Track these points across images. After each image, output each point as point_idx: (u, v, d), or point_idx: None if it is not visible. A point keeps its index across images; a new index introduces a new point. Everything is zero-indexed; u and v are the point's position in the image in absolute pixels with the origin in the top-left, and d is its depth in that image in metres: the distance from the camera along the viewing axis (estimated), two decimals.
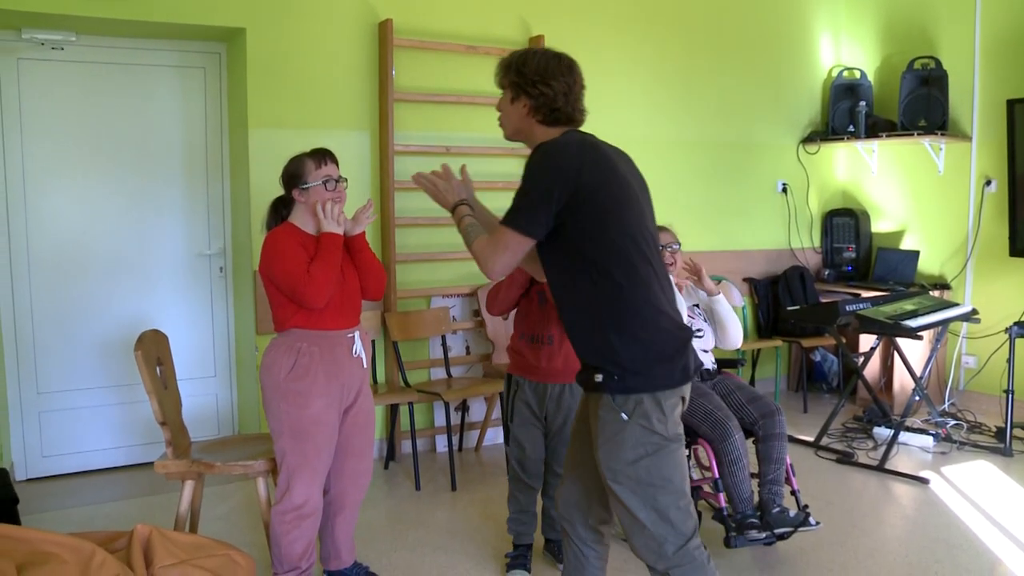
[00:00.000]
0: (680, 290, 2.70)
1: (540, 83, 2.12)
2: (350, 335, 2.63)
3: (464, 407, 4.46)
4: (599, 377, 2.02)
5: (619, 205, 2.02)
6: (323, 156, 2.62)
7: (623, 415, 2.00)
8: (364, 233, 2.71)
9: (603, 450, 2.06)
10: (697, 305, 3.00)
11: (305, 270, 2.47)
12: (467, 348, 4.55)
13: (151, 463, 3.82)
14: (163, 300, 4.20)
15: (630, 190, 2.05)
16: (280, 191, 2.71)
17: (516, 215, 2.04)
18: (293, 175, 2.62)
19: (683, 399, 2.08)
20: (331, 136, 3.97)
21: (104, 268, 4.02)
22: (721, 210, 5.17)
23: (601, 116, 4.16)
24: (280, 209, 2.70)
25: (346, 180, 2.65)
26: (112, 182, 3.98)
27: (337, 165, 2.66)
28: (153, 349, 2.78)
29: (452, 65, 4.17)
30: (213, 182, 4.21)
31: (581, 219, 1.99)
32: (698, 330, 2.95)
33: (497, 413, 4.43)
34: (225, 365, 4.37)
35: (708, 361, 3.01)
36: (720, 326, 2.99)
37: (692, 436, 2.97)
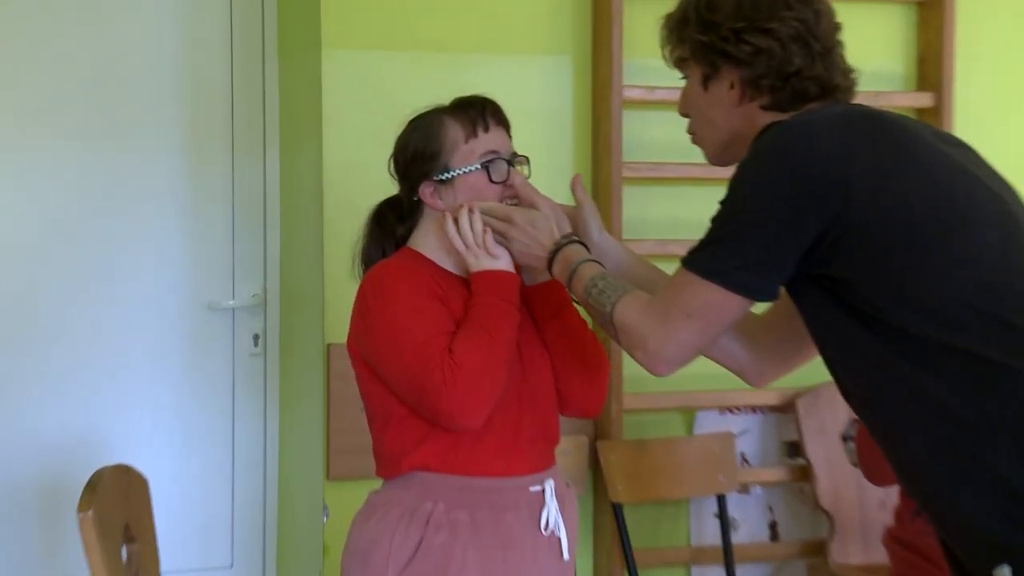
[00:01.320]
0: None
1: (750, 31, 2.02)
2: (535, 489, 2.40)
3: None
4: (1004, 573, 1.89)
5: (963, 227, 1.90)
6: (480, 113, 2.38)
7: None
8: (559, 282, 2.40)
9: None
10: None
11: (446, 347, 2.24)
12: (772, 526, 4.03)
13: None
14: (139, 400, 3.81)
15: (979, 197, 1.94)
16: (387, 187, 2.51)
17: (714, 252, 1.94)
18: (418, 154, 2.39)
19: None
20: (493, 68, 3.73)
21: (30, 332, 3.84)
22: None
23: None
24: (390, 222, 2.50)
25: (527, 160, 2.42)
26: (55, 167, 3.86)
27: (508, 131, 2.42)
28: (117, 507, 2.61)
29: None
30: (244, 166, 3.86)
31: (873, 262, 1.88)
32: None
33: None
34: (258, 544, 4.02)
35: None
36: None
37: None
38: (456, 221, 2.31)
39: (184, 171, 3.87)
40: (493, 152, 2.36)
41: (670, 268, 3.78)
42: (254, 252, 3.93)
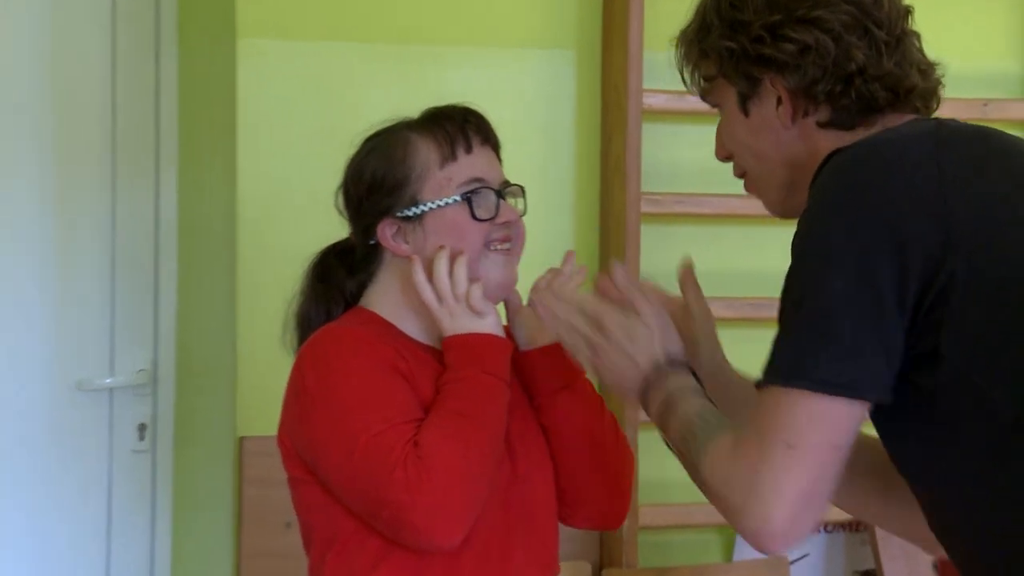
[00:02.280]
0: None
1: (792, 24, 2.03)
2: None
3: None
4: None
5: None
6: (460, 128, 2.42)
7: None
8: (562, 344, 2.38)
9: None
10: None
11: (410, 440, 2.25)
12: None
13: None
14: None
15: None
16: (330, 224, 2.57)
17: (794, 350, 1.89)
18: (377, 183, 2.43)
19: None
20: (470, 66, 3.74)
21: None
22: None
23: None
24: (337, 275, 2.51)
25: (522, 191, 2.48)
26: None
27: (498, 151, 2.47)
28: None
29: None
30: (129, 195, 3.90)
31: (987, 328, 1.88)
32: None
33: None
34: None
35: None
36: None
37: None
38: (428, 268, 2.30)
39: (46, 202, 3.76)
40: (477, 180, 2.34)
41: None
42: (140, 313, 3.84)
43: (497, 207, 2.34)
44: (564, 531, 3.28)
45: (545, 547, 2.41)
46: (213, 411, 3.67)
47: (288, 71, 3.61)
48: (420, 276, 2.31)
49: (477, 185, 2.36)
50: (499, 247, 2.36)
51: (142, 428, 3.77)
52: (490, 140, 2.41)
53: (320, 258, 2.48)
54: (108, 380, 3.74)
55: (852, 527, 3.88)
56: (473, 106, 2.42)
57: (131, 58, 3.82)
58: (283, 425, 2.35)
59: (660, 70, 3.35)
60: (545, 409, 2.41)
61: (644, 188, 3.59)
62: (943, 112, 3.54)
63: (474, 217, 2.32)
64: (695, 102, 3.43)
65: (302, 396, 2.32)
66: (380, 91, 3.31)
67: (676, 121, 3.70)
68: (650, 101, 3.58)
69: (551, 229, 3.69)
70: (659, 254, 3.61)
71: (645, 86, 3.56)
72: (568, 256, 2.50)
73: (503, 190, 2.37)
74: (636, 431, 3.55)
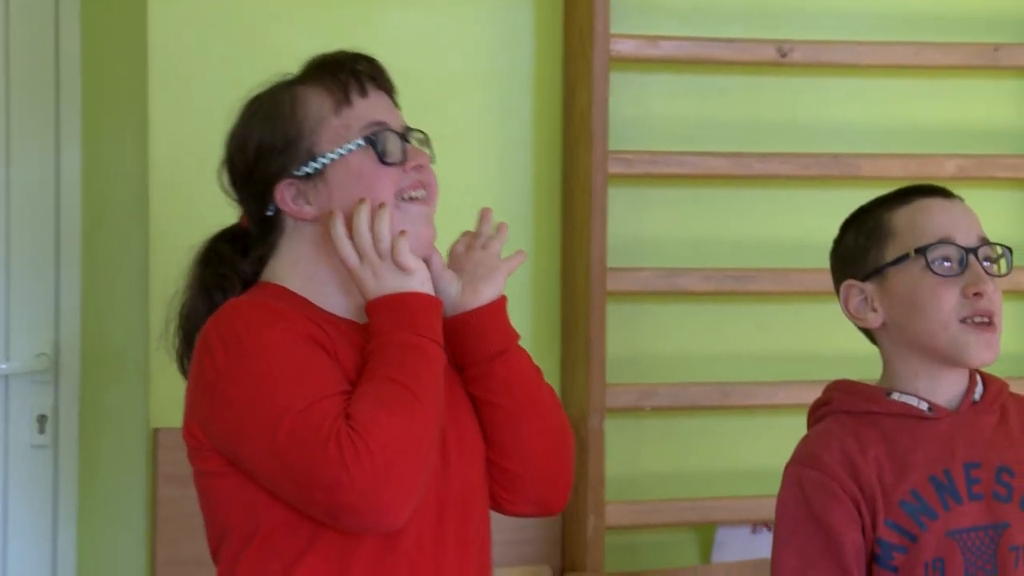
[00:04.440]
0: None
1: None
2: None
3: None
4: None
5: None
6: (351, 74, 2.43)
7: None
8: (504, 306, 2.45)
9: None
10: None
11: (341, 413, 2.24)
12: None
13: None
14: None
15: None
16: (221, 204, 2.57)
17: None
18: (266, 146, 2.43)
19: None
20: (412, 10, 3.63)
21: None
22: None
23: None
24: (229, 260, 2.49)
25: (426, 137, 2.45)
26: None
27: (394, 99, 2.46)
28: None
29: None
30: (25, 163, 3.84)
31: None
32: None
33: None
34: None
35: None
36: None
37: None
38: (348, 221, 2.31)
39: None
40: (378, 124, 2.34)
41: (679, 310, 3.82)
42: (40, 292, 3.78)
43: (405, 151, 2.31)
44: (522, 532, 3.41)
45: (479, 532, 2.38)
46: (123, 400, 3.60)
47: (204, 15, 3.50)
48: (340, 230, 2.27)
49: (379, 128, 2.33)
50: (414, 195, 2.32)
51: (42, 420, 3.71)
52: (385, 85, 2.40)
53: (207, 245, 2.44)
54: (3, 366, 3.66)
55: None
56: (370, 53, 2.41)
57: (24, 6, 3.74)
58: (190, 415, 2.31)
59: (629, 13, 3.52)
60: (477, 380, 2.38)
61: (612, 146, 3.43)
62: (951, 59, 3.51)
63: (382, 161, 2.29)
64: (669, 48, 3.58)
65: (213, 379, 2.27)
66: (308, 37, 3.19)
67: (648, 70, 3.61)
68: (618, 48, 3.43)
69: (507, 194, 3.64)
70: (630, 220, 3.58)
71: (613, 31, 3.40)
72: (484, 214, 2.46)
73: (408, 135, 2.35)
74: (603, 418, 3.47)
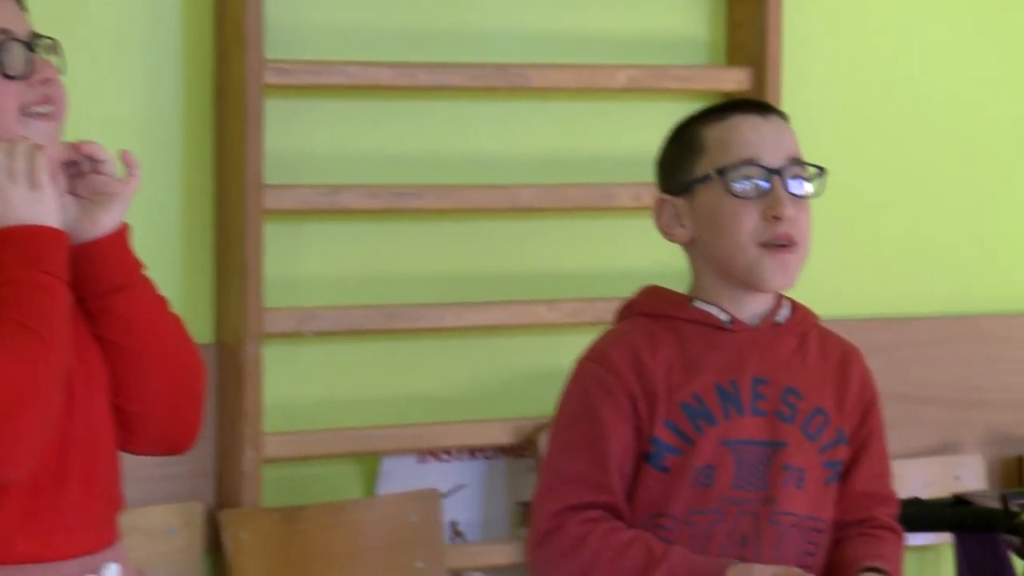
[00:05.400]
0: None
1: None
2: None
3: None
4: None
5: None
6: None
7: None
8: (125, 236, 2.34)
9: None
10: None
11: None
12: None
13: None
14: None
15: None
16: None
17: None
18: None
19: None
20: None
21: None
22: None
23: None
24: None
25: (56, 45, 2.32)
26: None
27: (21, 3, 2.34)
28: None
29: None
30: None
31: None
32: None
33: None
34: None
35: None
36: None
37: None
38: None
39: None
40: (1, 32, 2.22)
41: (341, 229, 3.77)
42: None
43: (30, 61, 2.18)
44: (171, 467, 3.30)
45: (108, 478, 2.29)
46: None
47: None
48: None
49: (2, 37, 2.19)
50: (39, 110, 2.20)
51: None
52: None
53: None
54: None
55: (518, 451, 3.82)
56: None
57: None
58: None
59: None
60: (96, 315, 2.27)
61: (269, 54, 3.35)
62: (622, 80, 3.53)
63: (4, 75, 2.16)
64: None
65: None
66: None
67: None
68: None
69: (153, 106, 3.59)
70: (288, 134, 3.51)
71: None
72: (82, 147, 2.27)
73: (33, 43, 2.21)
74: (260, 344, 3.42)
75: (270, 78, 3.39)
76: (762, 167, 2.24)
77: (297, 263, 3.68)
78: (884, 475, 2.44)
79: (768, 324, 2.30)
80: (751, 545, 2.32)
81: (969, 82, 4.11)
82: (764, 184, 2.25)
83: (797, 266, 2.30)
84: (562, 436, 2.35)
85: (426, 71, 3.61)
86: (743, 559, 2.26)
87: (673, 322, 2.34)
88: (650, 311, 2.37)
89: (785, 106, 4.11)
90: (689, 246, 2.36)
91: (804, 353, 2.44)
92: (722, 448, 2.30)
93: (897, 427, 4.53)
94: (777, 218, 2.31)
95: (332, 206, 3.53)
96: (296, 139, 3.57)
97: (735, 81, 3.74)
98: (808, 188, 2.36)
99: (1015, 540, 3.73)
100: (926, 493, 4.00)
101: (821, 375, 2.40)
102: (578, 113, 3.83)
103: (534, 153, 3.63)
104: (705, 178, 2.27)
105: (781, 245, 2.24)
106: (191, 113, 3.67)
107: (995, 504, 3.81)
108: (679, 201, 2.28)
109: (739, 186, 2.25)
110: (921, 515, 3.74)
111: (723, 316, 2.36)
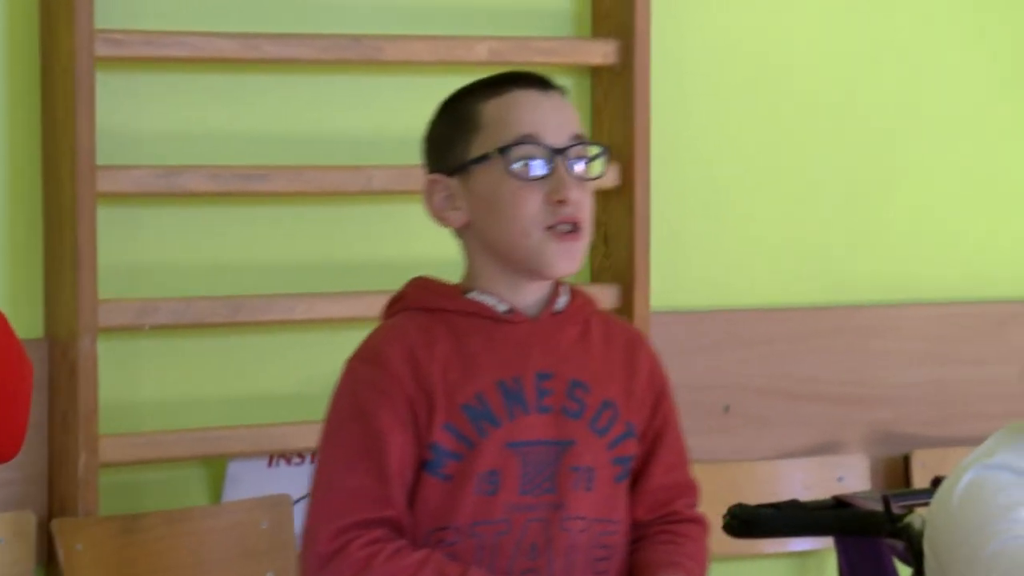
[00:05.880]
0: None
1: None
2: None
3: None
4: None
5: None
6: None
7: None
8: None
9: None
10: None
11: None
12: None
13: None
14: None
15: None
16: None
17: None
18: None
19: None
20: None
21: None
22: None
23: None
24: None
25: None
26: None
27: None
28: None
29: None
30: None
31: None
32: None
33: None
34: None
35: None
36: None
37: None
38: None
39: None
40: None
41: (182, 214, 3.58)
42: None
43: None
44: (2, 476, 3.27)
45: None
46: None
47: None
48: None
49: None
50: None
51: None
52: None
53: None
54: None
55: None
56: None
57: None
58: None
59: None
60: None
61: (99, 24, 3.22)
62: (482, 52, 3.44)
63: None
64: None
65: None
66: None
67: None
68: None
69: None
70: (122, 111, 3.39)
71: None
72: None
73: None
74: (94, 339, 3.29)
75: (101, 50, 3.26)
76: (545, 146, 2.16)
77: (134, 251, 3.52)
78: (682, 464, 2.39)
79: (548, 314, 2.23)
80: (542, 555, 2.23)
81: (847, 56, 4.06)
82: (547, 164, 2.18)
83: (582, 251, 2.24)
84: (335, 445, 2.25)
85: (272, 43, 3.49)
86: (535, 571, 2.21)
87: (447, 315, 2.25)
88: (423, 304, 2.30)
89: (654, 81, 4.09)
90: (463, 230, 2.27)
91: (587, 343, 2.36)
92: (506, 452, 2.24)
93: (775, 425, 4.53)
94: (562, 202, 2.24)
95: (171, 189, 3.38)
96: (131, 116, 3.43)
97: (601, 54, 3.66)
98: (592, 169, 2.32)
99: (899, 545, 3.73)
100: (806, 495, 3.89)
101: (607, 365, 2.33)
102: (436, 88, 3.68)
103: (390, 132, 3.51)
104: (483, 157, 2.19)
105: (568, 231, 2.18)
106: (14, 88, 3.51)
107: (877, 506, 3.72)
108: (452, 182, 2.20)
109: (520, 167, 2.18)
110: (798, 518, 3.64)
111: (501, 306, 2.29)
